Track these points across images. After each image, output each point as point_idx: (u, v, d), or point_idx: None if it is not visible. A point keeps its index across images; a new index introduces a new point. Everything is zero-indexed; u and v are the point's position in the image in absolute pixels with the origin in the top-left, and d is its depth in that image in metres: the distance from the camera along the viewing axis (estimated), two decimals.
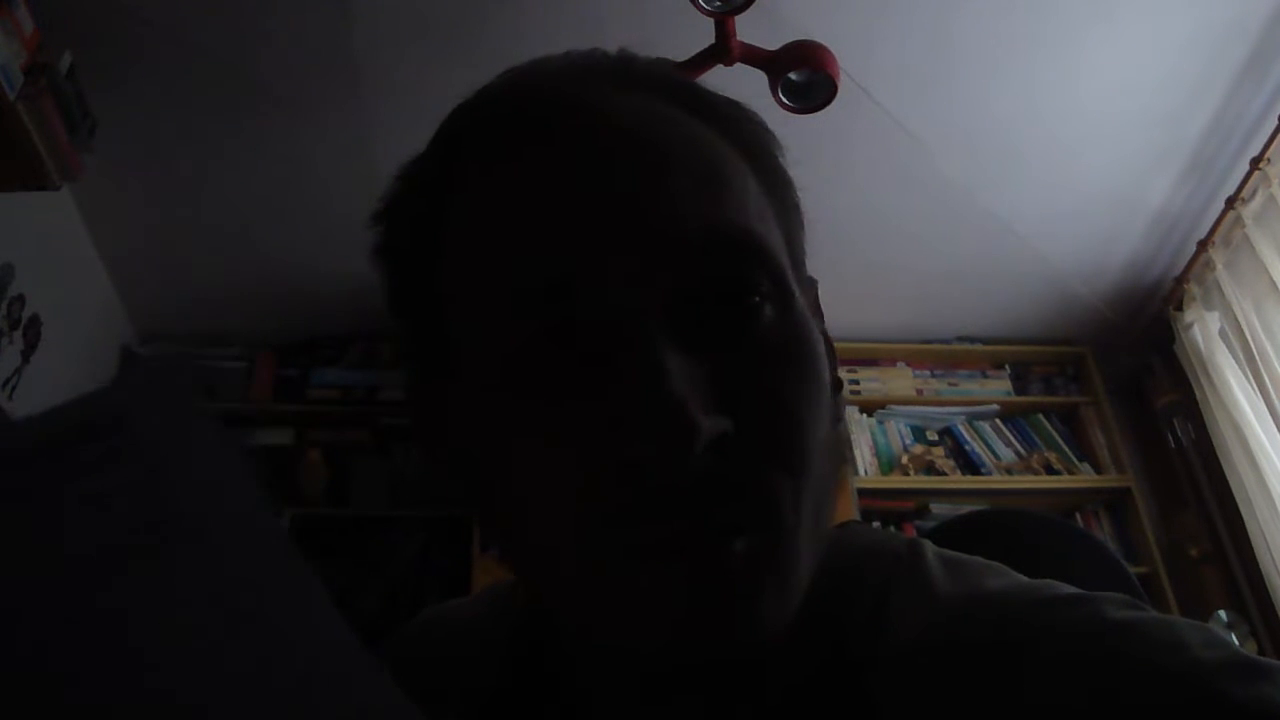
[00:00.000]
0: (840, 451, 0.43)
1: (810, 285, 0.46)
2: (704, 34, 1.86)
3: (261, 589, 0.23)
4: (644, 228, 0.37)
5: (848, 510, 2.73)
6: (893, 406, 3.23)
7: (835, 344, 0.45)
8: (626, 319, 0.36)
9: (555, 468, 0.36)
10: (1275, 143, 2.54)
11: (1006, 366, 3.38)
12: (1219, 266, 2.83)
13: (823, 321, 0.46)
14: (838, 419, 0.44)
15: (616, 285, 0.36)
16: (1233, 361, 2.80)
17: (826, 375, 0.41)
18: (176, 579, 0.23)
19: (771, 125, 0.46)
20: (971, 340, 3.39)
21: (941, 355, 3.37)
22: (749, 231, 0.39)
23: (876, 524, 2.97)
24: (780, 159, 0.45)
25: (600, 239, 0.37)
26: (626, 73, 0.43)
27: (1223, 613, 2.82)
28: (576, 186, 0.38)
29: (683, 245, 0.37)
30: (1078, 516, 3.11)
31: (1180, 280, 3.02)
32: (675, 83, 0.43)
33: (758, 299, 0.38)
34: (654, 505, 0.34)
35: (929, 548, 0.43)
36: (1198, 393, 2.95)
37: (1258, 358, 2.67)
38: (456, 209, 0.41)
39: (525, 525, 0.38)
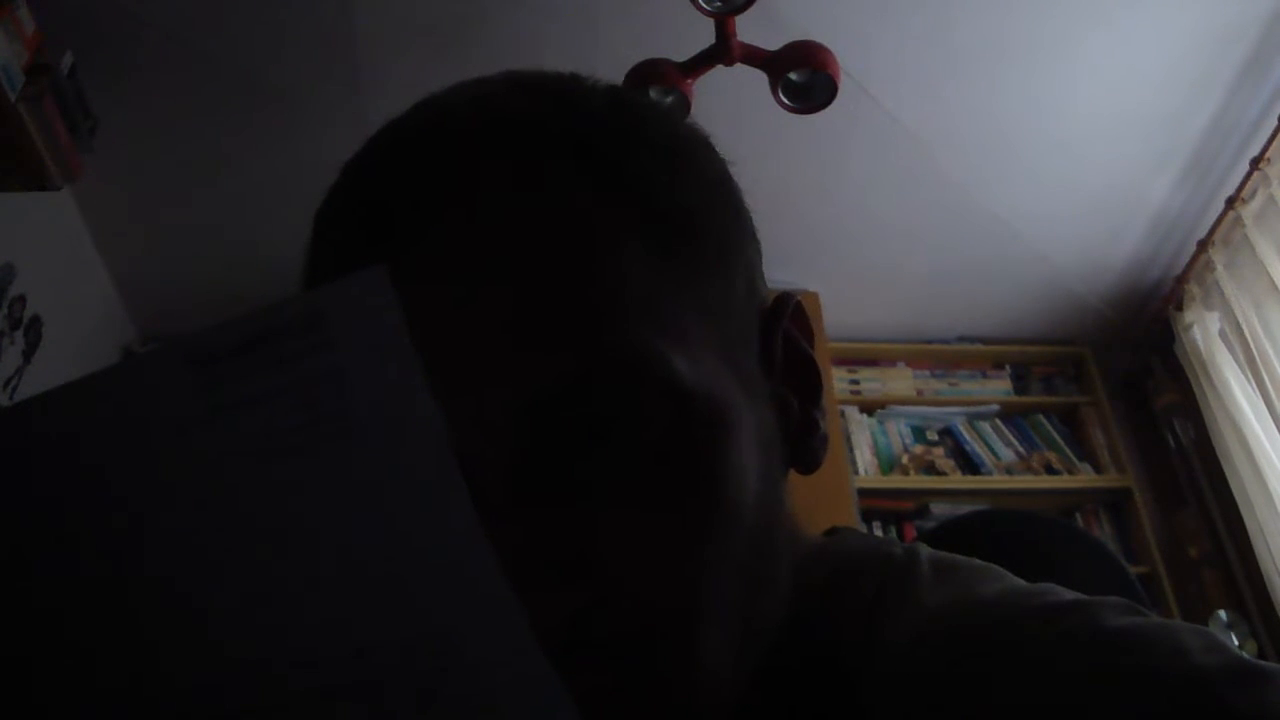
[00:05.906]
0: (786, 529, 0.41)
1: (783, 305, 0.43)
2: (704, 34, 1.86)
3: (406, 501, 0.23)
4: (483, 368, 0.34)
5: (848, 510, 2.73)
6: (893, 406, 3.22)
7: (835, 344, 0.43)
8: (468, 469, 0.32)
9: None
10: (1275, 143, 2.54)
11: (1006, 366, 3.38)
12: (1219, 267, 2.83)
13: (809, 341, 0.44)
14: (812, 463, 0.42)
15: (461, 430, 0.33)
16: (1233, 362, 2.80)
17: (749, 465, 0.37)
18: (325, 474, 0.23)
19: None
20: (971, 340, 3.38)
21: (941, 355, 3.37)
22: (614, 355, 0.34)
23: (877, 524, 2.98)
24: (691, 193, 0.40)
25: (447, 379, 0.33)
26: (504, 127, 0.38)
27: (1223, 613, 2.82)
28: (425, 318, 0.33)
29: (524, 389, 0.33)
30: (1078, 516, 3.11)
31: (1180, 280, 3.02)
32: (559, 133, 0.38)
33: (631, 428, 0.34)
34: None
35: (924, 552, 0.42)
36: (1198, 393, 2.95)
37: (1258, 358, 2.67)
38: None
39: None
